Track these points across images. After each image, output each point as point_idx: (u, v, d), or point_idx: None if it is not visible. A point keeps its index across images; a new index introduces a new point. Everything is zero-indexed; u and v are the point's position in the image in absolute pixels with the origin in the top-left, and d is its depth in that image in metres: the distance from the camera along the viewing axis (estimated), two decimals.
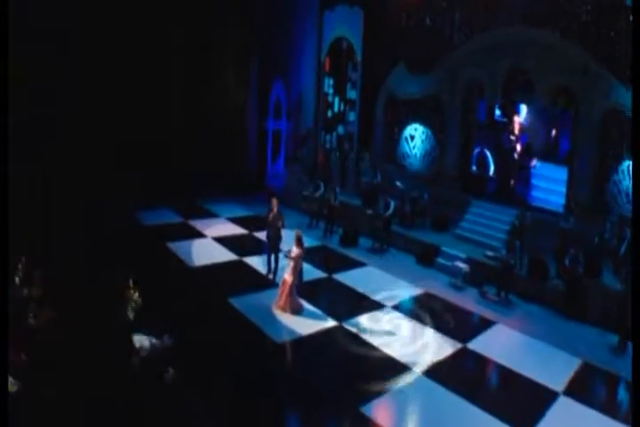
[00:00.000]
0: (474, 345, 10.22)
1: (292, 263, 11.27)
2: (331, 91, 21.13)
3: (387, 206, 15.60)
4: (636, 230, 7.78)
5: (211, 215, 18.89)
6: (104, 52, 17.79)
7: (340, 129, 21.03)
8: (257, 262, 13.96)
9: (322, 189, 17.64)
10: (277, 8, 20.97)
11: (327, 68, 21.09)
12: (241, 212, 19.42)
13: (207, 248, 15.08)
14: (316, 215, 17.55)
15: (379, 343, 10.04)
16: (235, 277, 13.10)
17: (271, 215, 13.13)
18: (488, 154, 17.49)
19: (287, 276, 11.29)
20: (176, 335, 8.89)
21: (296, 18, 21.27)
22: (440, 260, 14.29)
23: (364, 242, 16.05)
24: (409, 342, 10.24)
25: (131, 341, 8.60)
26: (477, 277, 13.15)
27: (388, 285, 13.11)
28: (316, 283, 12.86)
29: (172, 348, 8.87)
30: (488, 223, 15.17)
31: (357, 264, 14.46)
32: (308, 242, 14.72)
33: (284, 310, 11.26)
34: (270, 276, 13.07)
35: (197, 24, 19.94)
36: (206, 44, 20.39)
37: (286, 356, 9.98)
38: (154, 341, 8.93)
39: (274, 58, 21.19)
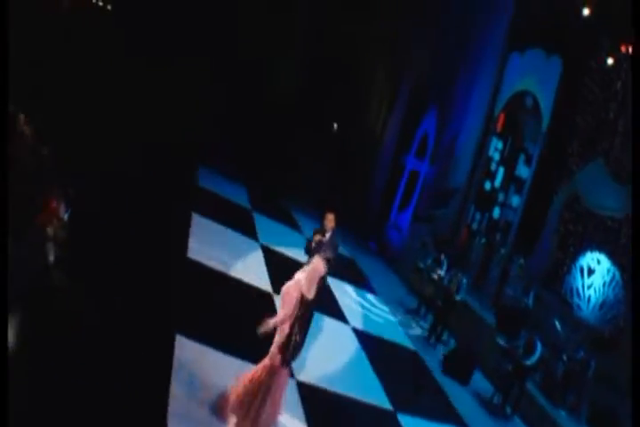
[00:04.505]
0: None
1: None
2: (496, 156, 14.88)
3: (529, 349, 9.60)
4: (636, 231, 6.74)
5: (289, 224, 13.94)
6: None
7: (496, 211, 14.68)
8: None
9: (444, 269, 12.11)
10: (450, 36, 15.67)
11: (500, 126, 14.92)
12: None
13: (242, 252, 9.93)
14: (428, 302, 12.08)
15: None
16: (236, 317, 7.25)
17: (316, 240, 7.30)
18: None
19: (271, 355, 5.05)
20: None
21: (472, 50, 15.56)
22: None
23: (480, 382, 10.05)
24: None
25: None
26: None
27: None
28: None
29: None
30: None
31: (459, 423, 8.28)
32: (400, 338, 9.85)
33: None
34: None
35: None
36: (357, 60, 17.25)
37: None
38: None
39: (433, 87, 16.08)
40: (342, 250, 14.34)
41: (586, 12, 10.98)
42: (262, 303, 8.06)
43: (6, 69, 4.02)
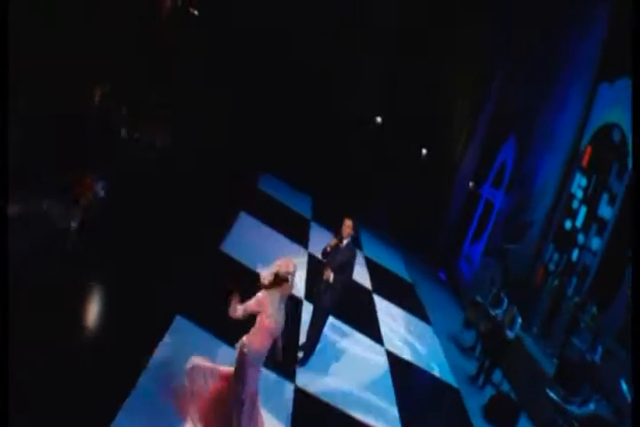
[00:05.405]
0: None
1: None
2: (579, 193, 13.45)
3: (584, 402, 8.84)
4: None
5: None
6: None
7: (575, 253, 13.17)
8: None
9: (504, 307, 11.14)
10: (535, 65, 14.67)
11: (585, 160, 13.44)
12: (396, 266, 13.78)
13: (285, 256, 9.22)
14: (482, 339, 11.21)
15: None
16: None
17: (331, 245, 6.83)
18: None
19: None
20: None
21: (558, 79, 14.33)
22: None
23: None
24: None
25: None
26: None
27: None
28: None
29: None
30: None
31: None
32: (442, 371, 9.36)
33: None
34: (300, 355, 6.93)
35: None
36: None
37: None
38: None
39: (513, 115, 15.12)
40: (403, 274, 13.86)
41: None
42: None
43: (6, 69, 4.14)
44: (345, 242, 6.72)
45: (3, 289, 3.65)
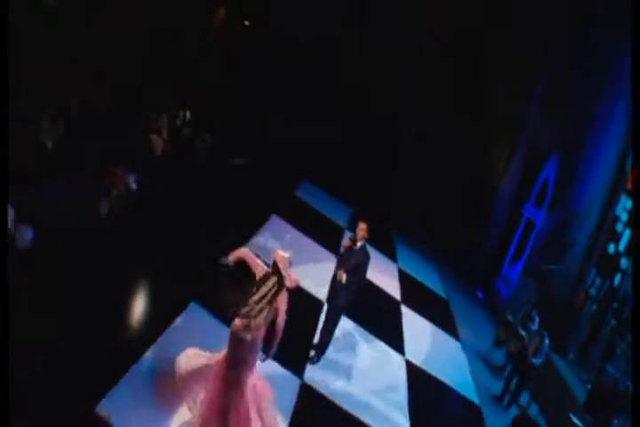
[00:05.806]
0: None
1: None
2: (624, 216, 12.89)
3: None
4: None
5: (382, 249, 13.02)
6: None
7: (617, 278, 12.67)
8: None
9: (535, 327, 10.58)
10: (580, 82, 14.04)
11: (630, 182, 12.81)
12: (430, 280, 13.64)
13: (313, 260, 9.54)
14: (512, 358, 10.79)
15: None
16: None
17: (345, 246, 7.01)
18: None
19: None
20: None
21: (604, 96, 13.66)
22: None
23: None
24: None
25: None
26: None
27: None
28: None
29: None
30: None
31: None
32: (465, 388, 9.15)
33: None
34: (312, 353, 6.97)
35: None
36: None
37: None
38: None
39: (555, 133, 14.68)
40: (437, 289, 13.66)
41: None
42: (304, 304, 7.73)
43: (6, 69, 4.30)
44: (359, 244, 6.85)
45: (3, 286, 3.81)
